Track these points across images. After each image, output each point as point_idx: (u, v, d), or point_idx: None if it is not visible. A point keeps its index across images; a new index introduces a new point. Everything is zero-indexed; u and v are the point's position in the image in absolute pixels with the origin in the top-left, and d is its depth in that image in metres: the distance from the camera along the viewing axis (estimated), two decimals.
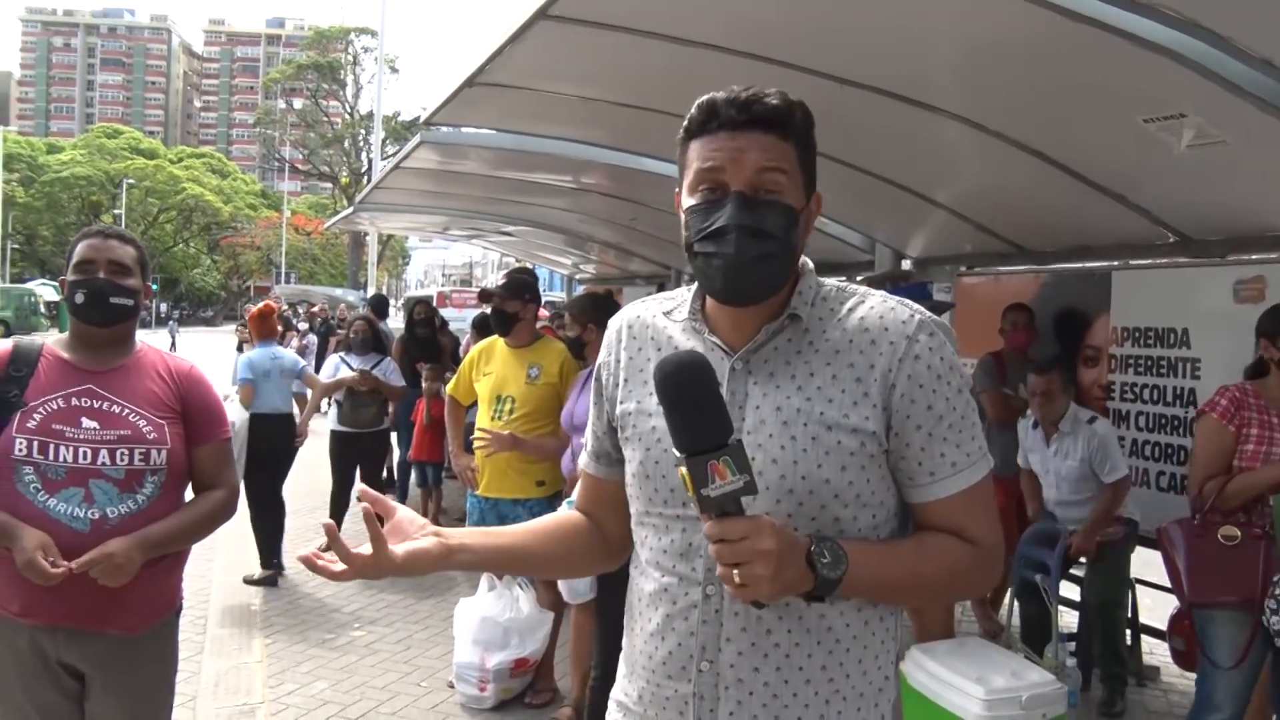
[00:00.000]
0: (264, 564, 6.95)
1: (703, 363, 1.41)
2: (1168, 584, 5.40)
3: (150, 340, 2.86)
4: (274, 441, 6.72)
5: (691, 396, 1.37)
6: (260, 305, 7.79)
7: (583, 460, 1.80)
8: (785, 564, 1.35)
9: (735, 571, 1.34)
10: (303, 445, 7.30)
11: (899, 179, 5.40)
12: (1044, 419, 5.03)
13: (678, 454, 1.37)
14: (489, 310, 5.05)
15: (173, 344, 33.34)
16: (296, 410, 7.17)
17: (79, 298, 2.62)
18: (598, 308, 4.64)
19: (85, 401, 2.56)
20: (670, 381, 1.39)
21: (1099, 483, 4.91)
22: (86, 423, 2.53)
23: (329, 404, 8.07)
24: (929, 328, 1.53)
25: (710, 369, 1.41)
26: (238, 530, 7.87)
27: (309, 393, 7.39)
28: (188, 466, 2.71)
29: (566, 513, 1.85)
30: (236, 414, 6.23)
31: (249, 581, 6.80)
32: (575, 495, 1.88)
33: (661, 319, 1.67)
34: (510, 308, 4.85)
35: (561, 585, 4.45)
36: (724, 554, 1.34)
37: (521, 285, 4.91)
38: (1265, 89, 3.27)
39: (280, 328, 8.06)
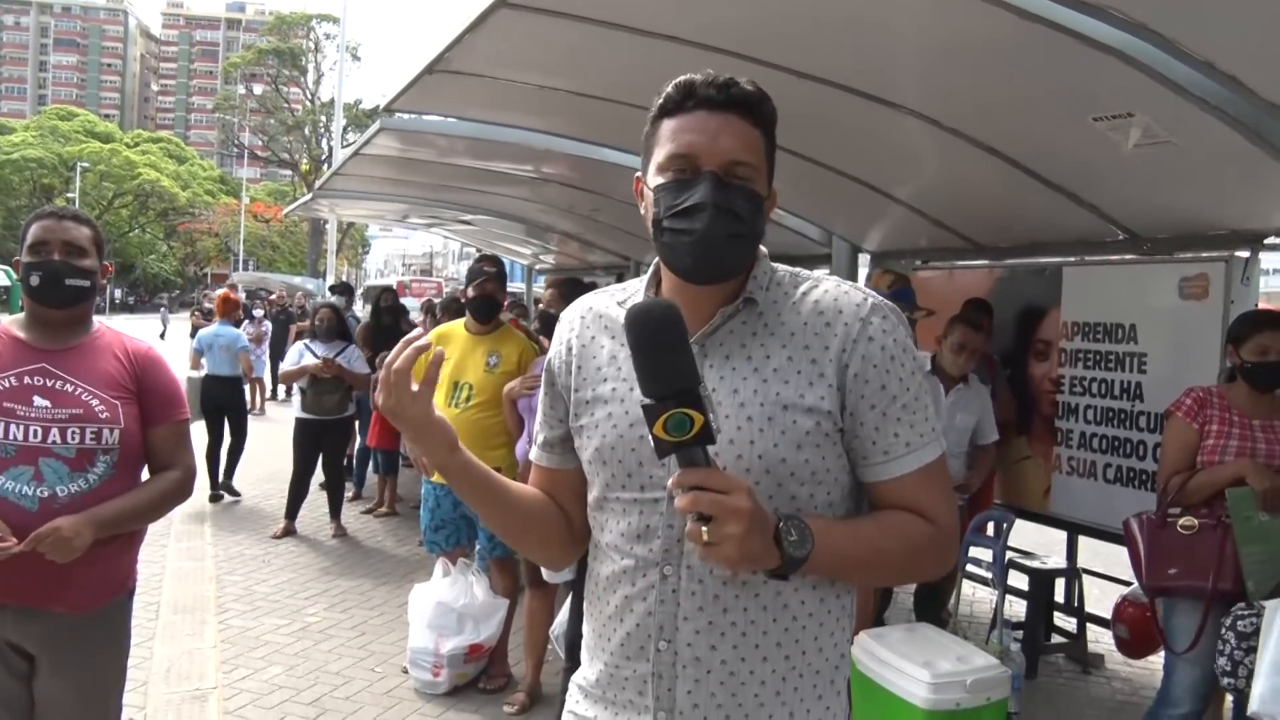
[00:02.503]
0: (225, 484, 9.12)
1: (674, 307, 1.42)
2: (1111, 574, 5.57)
3: (143, 326, 2.85)
4: (218, 395, 9.11)
5: (673, 336, 1.38)
6: (222, 291, 10.32)
7: (534, 454, 1.78)
8: (755, 530, 1.35)
9: (705, 528, 1.33)
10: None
11: (857, 173, 5.45)
12: (958, 371, 5.20)
13: (652, 399, 1.35)
14: (473, 295, 4.92)
15: (164, 332, 32.80)
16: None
17: (34, 280, 2.61)
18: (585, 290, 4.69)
19: (38, 380, 2.55)
20: (650, 321, 1.39)
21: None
22: (38, 401, 2.52)
23: (296, 390, 8.14)
24: (882, 310, 1.56)
25: (679, 313, 1.41)
26: (191, 515, 7.93)
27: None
28: (143, 447, 2.70)
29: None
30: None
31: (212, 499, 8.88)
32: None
33: (615, 309, 1.67)
34: (500, 295, 4.86)
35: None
36: (701, 501, 1.32)
37: (503, 271, 4.94)
38: (1208, 91, 3.35)
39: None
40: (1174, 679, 3.70)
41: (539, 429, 1.78)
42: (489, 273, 4.90)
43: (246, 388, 9.70)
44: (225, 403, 9.11)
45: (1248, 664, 3.27)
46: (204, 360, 9.18)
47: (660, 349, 1.37)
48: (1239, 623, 3.36)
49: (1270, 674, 3.08)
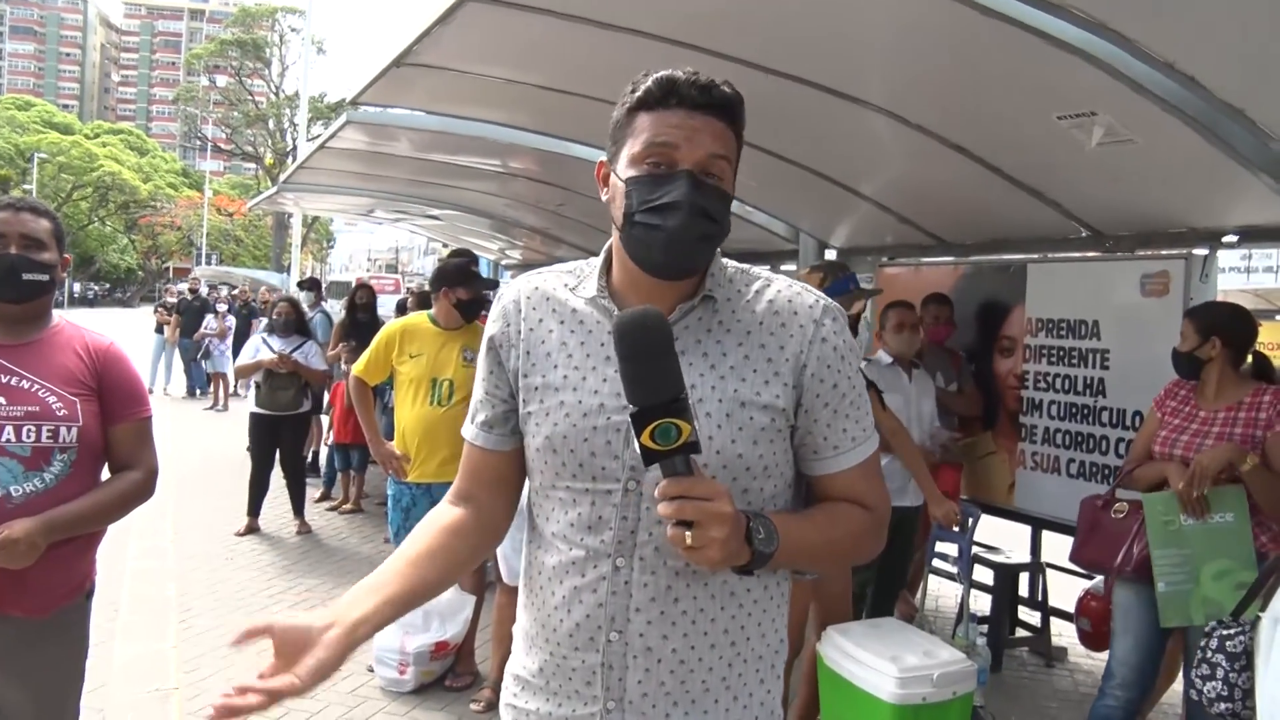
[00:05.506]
0: None
1: (664, 316, 1.42)
2: (1074, 568, 5.63)
3: (102, 320, 2.78)
4: None
5: (663, 346, 1.38)
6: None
7: (470, 433, 1.73)
8: (734, 532, 1.38)
9: (688, 532, 1.35)
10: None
11: (823, 170, 5.48)
12: (909, 349, 5.10)
13: (639, 407, 1.35)
14: (468, 298, 4.83)
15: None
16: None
17: None
18: None
19: None
20: (642, 331, 1.39)
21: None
22: None
23: (251, 385, 8.05)
24: (833, 313, 1.62)
25: (668, 322, 1.42)
26: (153, 513, 7.82)
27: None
28: (103, 445, 2.64)
29: (435, 520, 1.71)
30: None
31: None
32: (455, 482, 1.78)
33: (563, 292, 1.66)
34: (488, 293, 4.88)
35: (501, 565, 4.38)
36: (686, 510, 1.35)
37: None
38: (1168, 90, 3.40)
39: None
40: (1112, 652, 3.83)
41: (478, 407, 1.72)
42: (481, 276, 5.00)
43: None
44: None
45: (1242, 684, 3.23)
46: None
47: (650, 358, 1.38)
48: (1227, 643, 3.33)
49: None
